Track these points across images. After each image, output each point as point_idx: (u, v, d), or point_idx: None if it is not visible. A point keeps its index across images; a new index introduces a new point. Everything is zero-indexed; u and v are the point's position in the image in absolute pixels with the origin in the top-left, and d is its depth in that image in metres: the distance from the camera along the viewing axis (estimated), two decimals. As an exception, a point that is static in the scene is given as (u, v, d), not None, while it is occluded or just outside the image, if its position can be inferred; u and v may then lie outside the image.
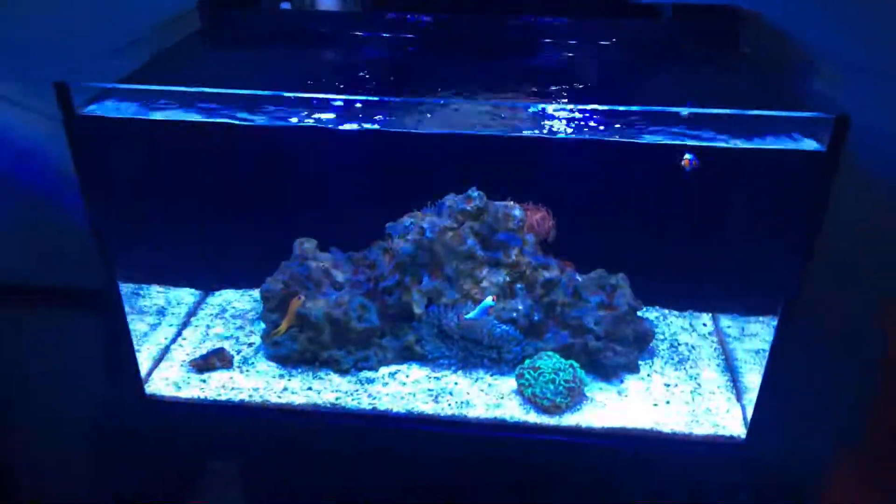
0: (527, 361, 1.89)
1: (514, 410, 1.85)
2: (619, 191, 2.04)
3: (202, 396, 1.90)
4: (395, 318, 2.00)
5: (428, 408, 1.86)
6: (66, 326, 2.31)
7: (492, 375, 1.96)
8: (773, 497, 1.77)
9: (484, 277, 1.92)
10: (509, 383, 1.92)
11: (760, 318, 2.16)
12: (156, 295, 2.30)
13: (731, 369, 2.00)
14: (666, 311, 2.24)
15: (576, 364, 1.88)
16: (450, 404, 1.87)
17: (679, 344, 2.10)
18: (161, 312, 2.22)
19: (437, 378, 1.95)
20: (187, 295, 2.31)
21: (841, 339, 1.97)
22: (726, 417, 1.84)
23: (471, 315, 1.87)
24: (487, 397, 1.89)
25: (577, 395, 1.85)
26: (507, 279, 1.93)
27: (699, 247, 2.07)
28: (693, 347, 2.09)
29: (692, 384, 1.95)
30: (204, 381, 1.95)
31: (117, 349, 1.88)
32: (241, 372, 1.98)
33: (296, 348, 1.96)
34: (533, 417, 1.83)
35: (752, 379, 1.94)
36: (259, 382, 1.94)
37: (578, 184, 2.00)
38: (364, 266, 2.08)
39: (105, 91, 1.66)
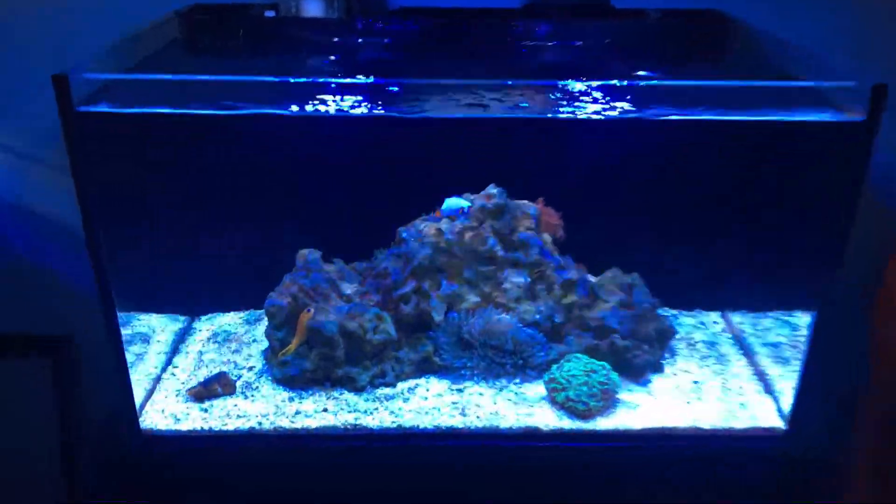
0: (554, 366, 1.81)
1: (547, 418, 1.75)
2: (613, 179, 2.00)
3: (206, 427, 1.73)
4: (411, 329, 1.88)
5: (456, 421, 1.74)
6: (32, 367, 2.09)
7: (517, 383, 1.86)
8: (816, 487, 1.73)
9: (505, 279, 1.83)
10: (537, 390, 1.83)
11: (770, 314, 2.16)
12: (137, 323, 2.11)
13: (753, 363, 1.97)
14: (674, 311, 2.20)
15: (607, 365, 1.80)
16: (478, 416, 1.76)
17: (696, 342, 2.06)
18: (146, 340, 2.03)
19: (460, 390, 1.84)
20: (171, 321, 2.13)
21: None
22: (761, 410, 1.80)
23: (444, 208, 1.79)
24: (517, 406, 1.79)
25: (610, 398, 1.78)
26: (529, 280, 1.85)
27: (704, 242, 2.05)
28: (711, 344, 2.05)
29: (719, 380, 1.90)
30: (205, 410, 1.78)
31: (107, 380, 1.69)
32: (246, 397, 1.82)
33: (307, 367, 1.82)
34: (568, 424, 1.74)
35: (776, 371, 1.92)
36: (268, 407, 1.78)
37: (570, 172, 1.96)
38: (371, 276, 1.96)
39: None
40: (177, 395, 1.83)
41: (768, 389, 1.87)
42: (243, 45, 2.07)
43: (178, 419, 1.75)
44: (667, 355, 1.98)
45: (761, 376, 1.92)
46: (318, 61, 2.05)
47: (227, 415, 1.76)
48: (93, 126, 1.55)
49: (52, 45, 1.97)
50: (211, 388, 1.80)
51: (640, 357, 1.86)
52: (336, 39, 2.08)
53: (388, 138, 1.86)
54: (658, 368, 1.92)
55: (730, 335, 2.10)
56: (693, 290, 2.15)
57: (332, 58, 2.03)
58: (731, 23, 1.93)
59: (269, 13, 2.11)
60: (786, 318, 2.15)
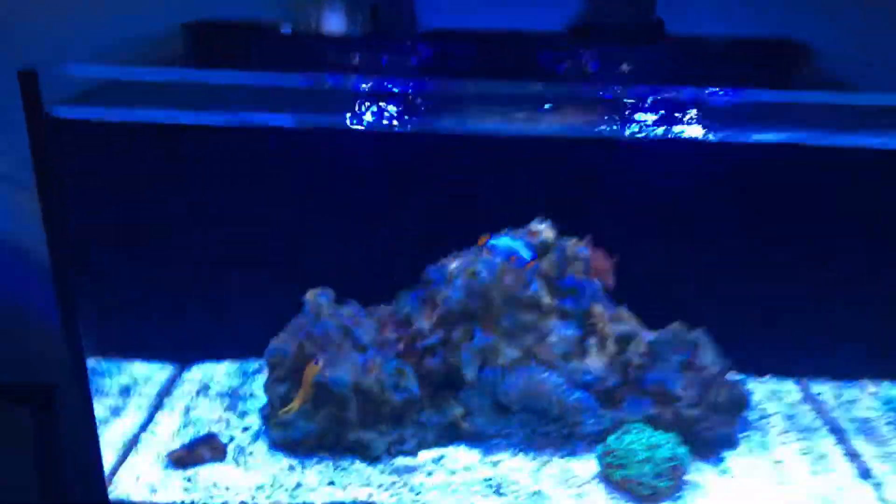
0: (611, 437, 1.50)
1: (600, 501, 1.44)
2: (671, 212, 1.73)
3: (187, 501, 1.43)
4: (437, 387, 1.59)
5: (488, 502, 1.43)
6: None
7: (562, 457, 1.55)
8: None
9: (551, 331, 1.55)
10: (587, 466, 1.53)
11: (855, 382, 1.85)
12: (115, 371, 1.82)
13: (843, 441, 1.65)
14: (740, 376, 1.89)
15: (674, 437, 1.50)
16: (517, 497, 1.45)
17: (770, 414, 1.75)
18: (125, 392, 1.74)
19: (494, 463, 1.53)
20: (157, 370, 1.84)
21: None
22: (861, 499, 1.48)
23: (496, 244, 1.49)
24: (564, 486, 1.48)
25: (679, 478, 1.47)
26: (580, 333, 1.56)
27: (781, 296, 1.77)
28: (789, 417, 1.74)
29: (805, 460, 1.59)
30: (189, 479, 1.48)
31: (73, 439, 1.40)
32: (238, 465, 1.52)
33: (312, 430, 1.52)
34: (627, 509, 1.43)
35: (870, 451, 1.61)
36: (263, 477, 1.48)
37: (621, 205, 1.69)
38: (392, 323, 1.67)
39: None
40: (156, 459, 1.53)
41: (865, 474, 1.55)
42: (256, 63, 1.85)
43: (155, 489, 1.45)
44: (739, 429, 1.66)
45: (854, 457, 1.60)
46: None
47: (213, 486, 1.46)
48: (69, 134, 1.31)
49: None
50: (196, 453, 1.50)
51: (712, 430, 1.55)
52: (357, 60, 1.85)
53: (416, 157, 1.61)
54: (732, 444, 1.61)
55: (810, 407, 1.78)
56: (764, 352, 1.84)
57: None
58: (802, 50, 1.69)
59: (286, 30, 1.89)
60: (874, 388, 1.84)
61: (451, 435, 1.58)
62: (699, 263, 1.75)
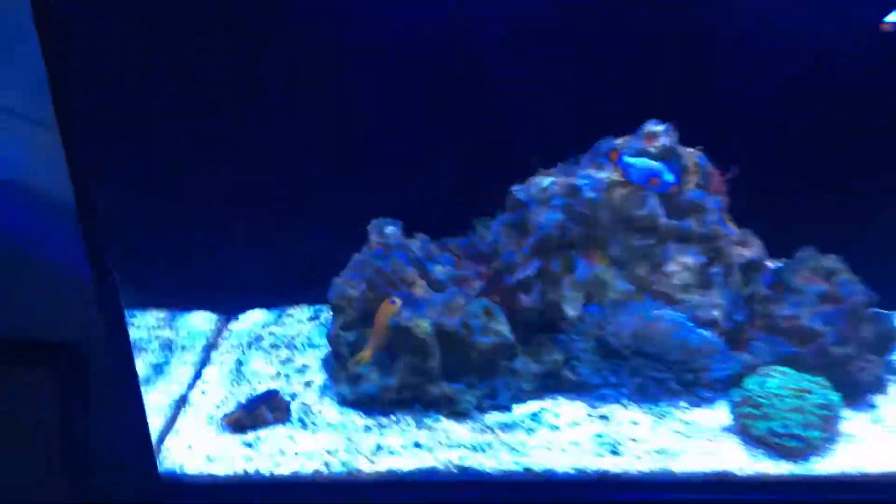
0: (749, 383, 1.26)
1: (737, 458, 1.21)
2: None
3: (251, 471, 1.21)
4: (531, 330, 1.35)
5: (606, 463, 1.20)
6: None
7: (684, 408, 1.31)
8: None
9: (669, 258, 1.29)
10: (715, 417, 1.29)
11: None
12: (155, 323, 1.60)
13: None
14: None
15: (825, 381, 1.25)
16: (638, 456, 1.22)
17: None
18: (167, 347, 1.52)
19: (605, 417, 1.30)
20: (200, 321, 1.62)
21: None
22: None
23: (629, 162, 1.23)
24: (691, 441, 1.24)
25: (832, 428, 1.23)
26: (702, 260, 1.31)
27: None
28: (940, 353, 1.49)
29: (970, 403, 1.34)
30: (250, 444, 1.27)
31: (115, 405, 1.18)
32: (305, 426, 1.30)
33: (390, 383, 1.30)
34: (771, 466, 1.19)
35: None
36: (335, 441, 1.26)
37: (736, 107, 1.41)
38: (468, 257, 1.43)
39: None
40: (209, 424, 1.31)
41: None
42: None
43: (212, 459, 1.24)
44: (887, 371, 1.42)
45: None
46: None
47: (279, 452, 1.24)
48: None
49: None
50: (257, 414, 1.29)
51: (866, 371, 1.30)
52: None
53: (491, 43, 1.33)
54: (880, 387, 1.36)
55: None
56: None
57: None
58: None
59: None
60: None
61: (549, 385, 1.36)
62: (830, 181, 1.48)
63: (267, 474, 1.20)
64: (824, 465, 1.20)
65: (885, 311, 1.44)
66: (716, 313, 1.30)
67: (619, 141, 1.32)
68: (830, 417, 1.22)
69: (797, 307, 1.36)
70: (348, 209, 1.53)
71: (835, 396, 1.24)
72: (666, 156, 1.26)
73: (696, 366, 1.31)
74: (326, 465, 1.22)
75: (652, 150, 1.27)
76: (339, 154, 1.53)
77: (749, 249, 1.38)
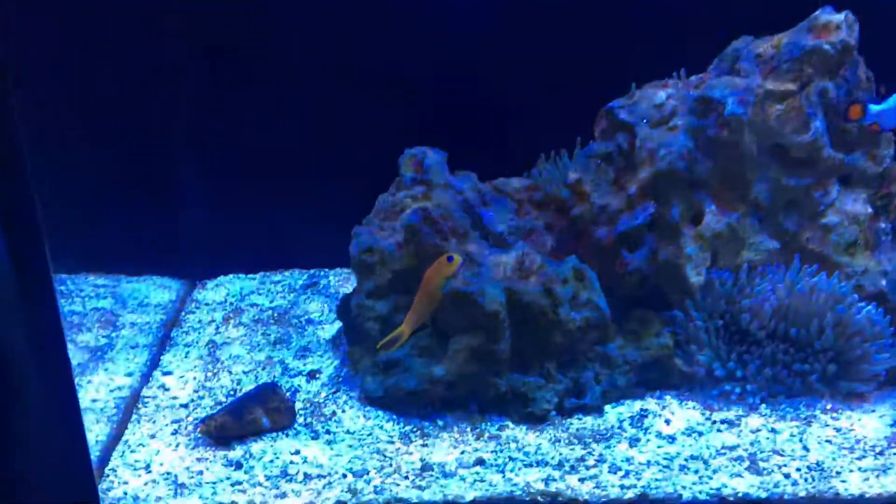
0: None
1: (926, 479, 0.88)
2: None
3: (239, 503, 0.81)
4: (630, 302, 0.98)
5: (742, 485, 0.85)
6: None
7: (834, 410, 0.97)
8: None
9: (831, 205, 0.94)
10: (876, 422, 0.95)
11: None
12: (91, 292, 1.17)
13: None
14: None
15: None
16: (787, 475, 0.87)
17: None
18: (111, 323, 1.10)
19: (730, 423, 0.95)
20: (157, 289, 1.21)
21: None
22: None
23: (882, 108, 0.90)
24: (851, 456, 0.90)
25: None
26: (870, 211, 0.96)
27: None
28: None
29: None
30: (237, 464, 0.86)
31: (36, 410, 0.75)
32: (316, 436, 0.91)
33: (438, 374, 0.91)
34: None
35: None
36: (361, 457, 0.87)
37: None
38: (531, 203, 1.05)
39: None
40: (176, 434, 0.90)
41: None
42: None
43: (183, 486, 0.83)
44: None
45: None
46: None
47: (282, 474, 0.84)
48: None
49: None
50: (248, 418, 0.88)
51: None
52: None
53: None
54: None
55: None
56: None
57: None
58: None
59: None
60: None
61: (651, 380, 0.99)
62: None
63: (266, 510, 0.81)
64: None
65: None
66: (883, 283, 0.96)
67: (759, 44, 0.95)
68: None
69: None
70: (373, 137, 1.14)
71: None
72: (845, 57, 0.90)
73: (856, 355, 0.96)
74: (352, 492, 0.83)
75: (825, 45, 0.91)
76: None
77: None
